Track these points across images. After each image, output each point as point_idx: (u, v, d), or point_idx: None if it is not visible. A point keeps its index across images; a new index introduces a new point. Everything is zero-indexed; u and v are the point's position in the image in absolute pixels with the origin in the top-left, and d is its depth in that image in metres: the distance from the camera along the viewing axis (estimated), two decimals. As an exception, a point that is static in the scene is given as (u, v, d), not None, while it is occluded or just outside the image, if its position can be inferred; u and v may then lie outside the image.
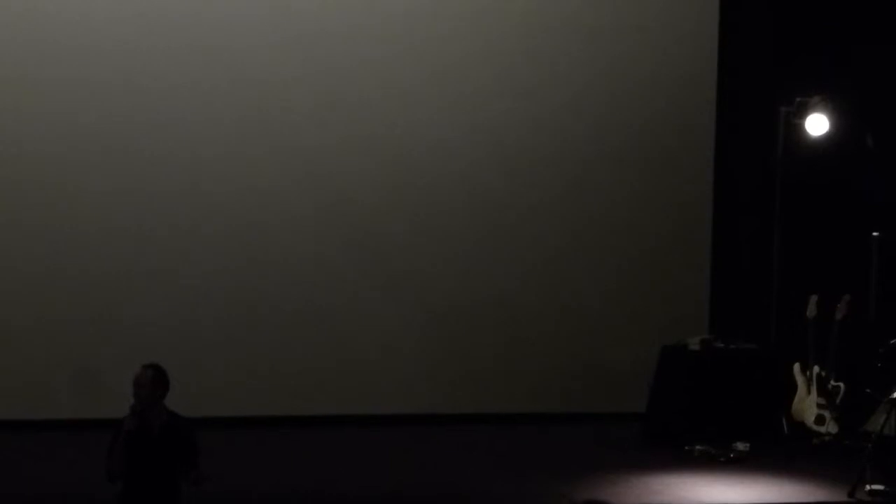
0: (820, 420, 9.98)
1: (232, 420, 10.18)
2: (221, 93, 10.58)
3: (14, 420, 10.06)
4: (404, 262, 10.87)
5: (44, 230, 10.37)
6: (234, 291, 10.61)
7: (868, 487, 8.46)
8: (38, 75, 10.32)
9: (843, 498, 8.40)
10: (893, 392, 8.97)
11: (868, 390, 9.75)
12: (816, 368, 10.06)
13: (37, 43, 10.31)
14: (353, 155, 10.77)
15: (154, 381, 7.15)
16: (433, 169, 10.90)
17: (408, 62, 10.84)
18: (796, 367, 10.19)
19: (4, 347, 10.29)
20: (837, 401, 9.96)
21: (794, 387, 10.18)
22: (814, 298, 10.16)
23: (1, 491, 8.24)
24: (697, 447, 9.65)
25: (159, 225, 10.51)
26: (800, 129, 10.67)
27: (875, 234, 10.40)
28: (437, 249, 10.92)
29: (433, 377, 10.89)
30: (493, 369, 10.95)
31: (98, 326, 10.38)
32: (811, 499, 8.46)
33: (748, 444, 9.66)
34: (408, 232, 10.88)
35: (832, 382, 9.99)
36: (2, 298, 10.33)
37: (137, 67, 10.44)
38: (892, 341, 9.62)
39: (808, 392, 10.10)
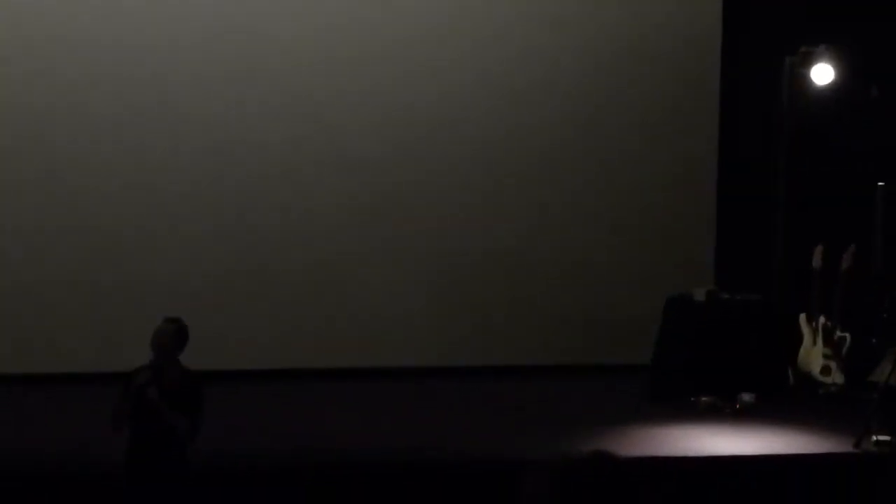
0: (826, 370, 9.98)
1: (239, 373, 10.21)
2: (228, 49, 10.56)
3: (27, 373, 10.15)
4: (412, 216, 10.87)
5: (53, 185, 10.42)
6: (242, 246, 10.64)
7: (874, 438, 8.45)
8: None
9: (849, 448, 8.40)
10: (899, 342, 9.00)
11: (874, 340, 9.76)
12: (822, 319, 10.06)
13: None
14: (361, 109, 10.76)
15: (176, 335, 7.14)
16: (440, 124, 10.89)
17: (417, 18, 10.81)
18: (802, 317, 10.19)
19: (19, 302, 10.37)
20: (843, 351, 9.96)
21: (800, 337, 10.18)
22: (819, 249, 10.13)
23: (15, 445, 8.28)
24: (703, 398, 9.65)
25: (171, 182, 10.54)
26: (805, 78, 10.63)
27: (880, 183, 10.37)
28: (444, 203, 10.92)
29: (439, 330, 10.92)
30: (498, 322, 10.97)
31: (111, 282, 10.45)
32: (817, 449, 8.47)
33: (754, 395, 9.66)
34: (415, 186, 10.88)
35: (838, 333, 9.99)
36: (16, 255, 10.39)
37: (145, 23, 10.47)
38: (897, 291, 9.65)
39: (814, 343, 10.10)
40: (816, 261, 10.12)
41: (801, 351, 10.16)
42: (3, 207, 10.40)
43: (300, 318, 10.73)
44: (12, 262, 10.39)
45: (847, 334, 9.96)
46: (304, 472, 7.96)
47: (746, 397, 9.65)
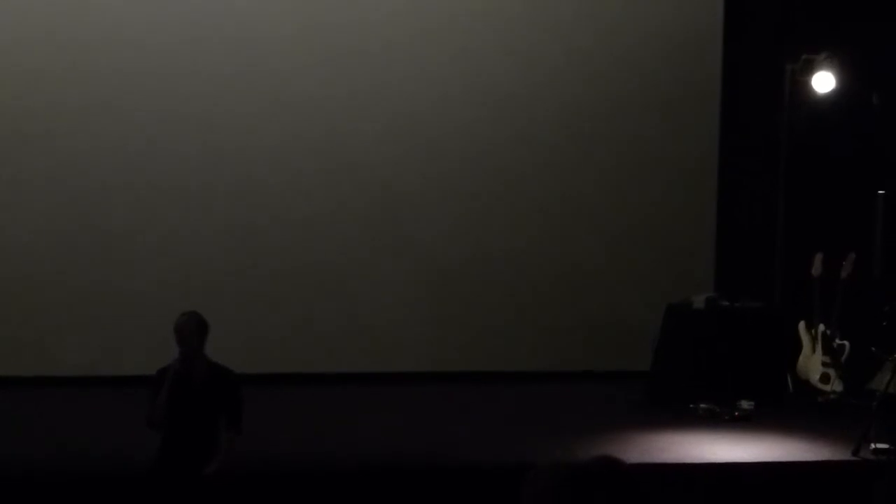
0: (825, 378, 9.99)
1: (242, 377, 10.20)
2: (230, 53, 10.57)
3: (26, 376, 10.19)
4: (413, 222, 10.89)
5: (54, 190, 10.44)
6: (245, 252, 10.65)
7: (872, 446, 8.45)
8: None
9: (848, 456, 8.40)
10: (898, 350, 9.01)
11: (873, 348, 9.76)
12: (822, 327, 10.07)
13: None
14: (362, 114, 10.77)
15: (198, 327, 7.15)
16: (440, 128, 10.90)
17: (415, 19, 10.83)
18: (801, 325, 10.20)
19: (15, 305, 10.39)
20: (842, 359, 9.97)
21: (800, 345, 10.19)
22: (819, 257, 10.15)
23: (31, 449, 8.30)
24: (702, 405, 9.65)
25: (172, 185, 10.56)
26: (806, 86, 10.64)
27: (880, 192, 10.38)
28: (444, 208, 10.94)
29: (440, 336, 10.92)
30: (499, 328, 10.97)
31: (116, 287, 10.46)
32: (815, 457, 8.47)
33: (753, 403, 9.67)
34: (416, 191, 10.90)
35: (837, 341, 10.00)
36: (22, 257, 10.41)
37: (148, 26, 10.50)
38: (897, 300, 9.66)
39: (814, 350, 10.11)
40: (816, 268, 10.13)
41: (801, 358, 10.18)
42: (2, 209, 10.42)
43: (300, 322, 10.74)
44: (12, 265, 10.41)
45: (846, 342, 9.97)
46: (302, 477, 7.96)
47: (745, 404, 9.65)
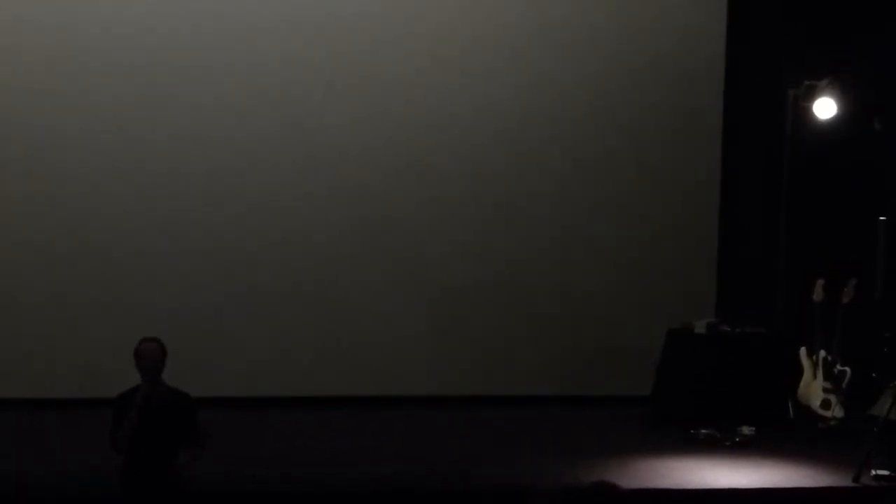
0: (826, 404, 9.96)
1: (238, 400, 10.20)
2: (230, 74, 10.58)
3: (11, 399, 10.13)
4: (411, 244, 10.88)
5: (44, 209, 10.42)
6: (241, 273, 10.63)
7: (873, 472, 8.44)
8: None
9: (848, 482, 8.38)
10: (899, 377, 8.98)
11: (874, 375, 9.74)
12: (823, 352, 10.05)
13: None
14: (361, 137, 10.77)
15: (162, 351, 7.26)
16: (440, 150, 10.90)
17: (415, 41, 10.83)
18: (802, 351, 10.18)
19: (7, 327, 10.36)
20: (843, 385, 9.94)
21: (801, 371, 10.17)
22: (820, 282, 10.13)
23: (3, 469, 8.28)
24: (703, 431, 9.63)
25: (166, 205, 10.54)
26: (808, 112, 10.64)
27: (882, 218, 10.37)
28: (443, 231, 10.93)
29: (439, 359, 10.90)
30: (499, 352, 10.95)
31: (106, 308, 10.44)
32: (816, 483, 8.45)
33: (754, 428, 9.65)
34: (415, 214, 10.89)
35: (838, 367, 9.98)
36: (6, 278, 10.39)
37: (153, 42, 10.51)
38: (898, 326, 9.64)
39: (815, 376, 10.08)
40: (817, 294, 10.11)
41: (802, 384, 10.15)
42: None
43: (298, 347, 10.72)
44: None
45: (847, 368, 9.94)
46: (300, 499, 7.95)
47: (746, 430, 9.63)
